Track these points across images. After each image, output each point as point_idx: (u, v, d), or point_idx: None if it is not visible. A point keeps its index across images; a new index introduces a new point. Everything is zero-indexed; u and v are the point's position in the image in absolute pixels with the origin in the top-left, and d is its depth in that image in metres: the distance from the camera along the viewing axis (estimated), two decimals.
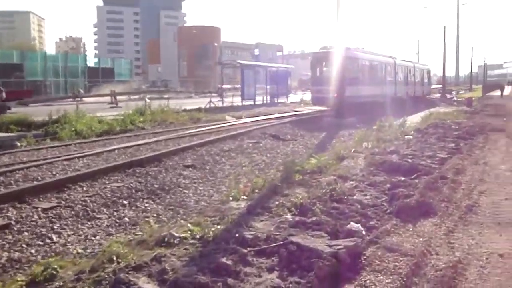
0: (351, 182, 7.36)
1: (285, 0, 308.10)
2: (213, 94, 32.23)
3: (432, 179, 7.19)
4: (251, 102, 29.88)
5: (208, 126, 17.94)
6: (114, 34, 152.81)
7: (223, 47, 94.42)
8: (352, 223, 5.25)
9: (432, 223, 5.52)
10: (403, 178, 7.69)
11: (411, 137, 13.02)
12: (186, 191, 8.62)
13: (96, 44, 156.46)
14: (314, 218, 5.35)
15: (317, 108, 26.51)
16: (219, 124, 18.65)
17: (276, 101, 32.62)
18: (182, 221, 6.32)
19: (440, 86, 59.56)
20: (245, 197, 6.84)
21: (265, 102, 32.15)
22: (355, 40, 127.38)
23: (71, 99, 36.21)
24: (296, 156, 12.10)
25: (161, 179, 9.33)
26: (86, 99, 37.54)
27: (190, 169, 10.38)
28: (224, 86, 33.56)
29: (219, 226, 5.12)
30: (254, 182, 7.39)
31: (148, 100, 24.88)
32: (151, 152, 11.91)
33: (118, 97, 34.29)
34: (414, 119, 20.15)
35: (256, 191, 7.04)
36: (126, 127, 17.40)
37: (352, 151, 10.21)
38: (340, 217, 5.62)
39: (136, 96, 38.24)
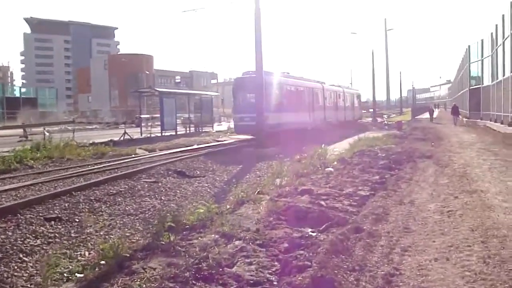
0: (237, 243, 5.46)
1: (218, 29, 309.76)
2: (127, 125, 29.46)
3: (341, 236, 5.39)
4: (172, 132, 27.60)
5: (110, 162, 15.56)
6: (43, 62, 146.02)
7: (156, 76, 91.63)
8: None
9: None
10: (308, 232, 5.94)
11: (332, 169, 11.44)
12: (27, 259, 6.37)
13: (23, 73, 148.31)
14: None
15: (242, 137, 24.73)
16: (123, 159, 16.24)
17: (200, 131, 30.51)
18: None
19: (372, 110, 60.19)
20: (80, 275, 4.81)
21: (188, 131, 29.96)
22: (289, 67, 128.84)
23: None
24: (197, 197, 10.13)
25: (0, 240, 7.00)
26: None
27: (52, 223, 8.08)
28: (143, 115, 31.03)
29: None
30: (102, 249, 5.30)
31: (47, 134, 21.96)
32: (12, 200, 9.46)
33: (37, 129, 30.82)
34: (342, 145, 18.96)
35: (102, 262, 5.02)
36: (10, 167, 14.65)
37: (256, 192, 8.33)
38: None
39: (56, 128, 34.86)
